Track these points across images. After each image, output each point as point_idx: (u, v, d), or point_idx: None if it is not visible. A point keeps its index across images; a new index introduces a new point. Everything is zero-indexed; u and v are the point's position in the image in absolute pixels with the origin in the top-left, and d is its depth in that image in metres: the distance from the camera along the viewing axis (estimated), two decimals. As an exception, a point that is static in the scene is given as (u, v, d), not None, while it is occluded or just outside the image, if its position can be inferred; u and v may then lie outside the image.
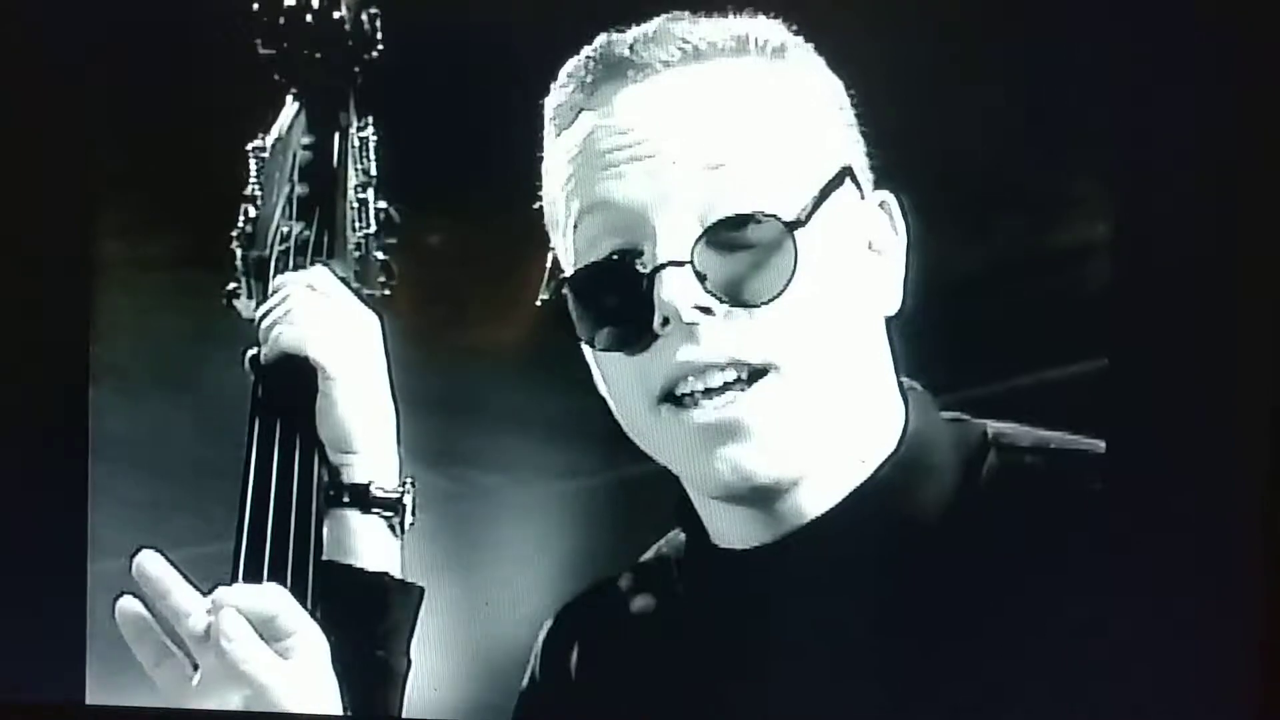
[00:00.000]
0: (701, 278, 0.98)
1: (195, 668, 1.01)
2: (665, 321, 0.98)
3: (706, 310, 0.98)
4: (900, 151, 1.05)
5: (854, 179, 1.02)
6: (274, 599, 1.03)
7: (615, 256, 1.01)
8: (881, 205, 1.04)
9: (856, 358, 1.01)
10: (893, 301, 1.03)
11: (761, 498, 1.01)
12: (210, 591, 1.03)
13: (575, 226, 1.02)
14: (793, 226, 0.98)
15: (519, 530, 1.17)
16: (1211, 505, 1.13)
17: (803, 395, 0.98)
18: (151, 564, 1.03)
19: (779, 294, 0.98)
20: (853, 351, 1.01)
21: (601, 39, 1.02)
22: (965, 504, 1.01)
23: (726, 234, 0.98)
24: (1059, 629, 1.03)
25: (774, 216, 0.98)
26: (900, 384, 1.04)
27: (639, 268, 0.99)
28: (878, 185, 1.05)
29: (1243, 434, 1.12)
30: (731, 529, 1.04)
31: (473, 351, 1.17)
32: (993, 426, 1.03)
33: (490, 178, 1.14)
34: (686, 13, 1.03)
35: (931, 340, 1.05)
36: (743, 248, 0.98)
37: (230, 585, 1.05)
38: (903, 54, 1.09)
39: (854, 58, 1.05)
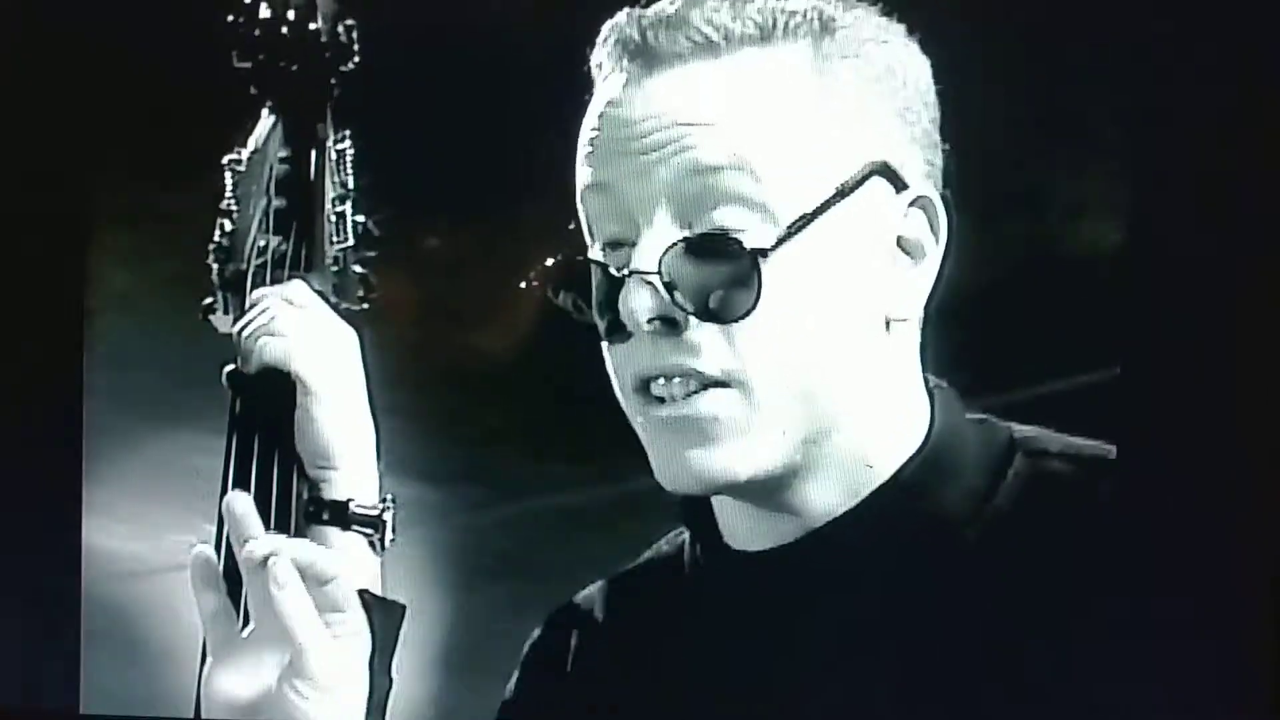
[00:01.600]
0: (671, 288, 0.95)
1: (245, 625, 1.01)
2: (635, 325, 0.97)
3: (671, 321, 0.96)
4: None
5: (890, 175, 0.97)
6: (335, 563, 1.01)
7: (611, 245, 0.99)
8: (917, 203, 0.98)
9: (848, 366, 0.97)
10: (910, 308, 0.99)
11: (744, 494, 0.99)
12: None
13: (582, 199, 1.01)
14: (760, 253, 0.94)
15: (504, 546, 1.16)
16: (1248, 510, 1.10)
17: (766, 404, 0.96)
18: (238, 503, 1.01)
19: (745, 314, 0.95)
20: (844, 360, 0.97)
21: (621, 15, 0.98)
22: (990, 508, 0.98)
23: (698, 248, 0.96)
24: (1086, 637, 1.01)
25: (739, 240, 0.95)
26: (926, 380, 1.01)
27: (615, 272, 0.97)
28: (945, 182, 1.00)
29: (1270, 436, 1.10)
30: (746, 529, 1.02)
31: (454, 365, 1.16)
32: (1018, 430, 1.01)
33: (470, 190, 1.13)
34: None
35: (954, 342, 1.02)
36: (713, 264, 0.95)
37: None
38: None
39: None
